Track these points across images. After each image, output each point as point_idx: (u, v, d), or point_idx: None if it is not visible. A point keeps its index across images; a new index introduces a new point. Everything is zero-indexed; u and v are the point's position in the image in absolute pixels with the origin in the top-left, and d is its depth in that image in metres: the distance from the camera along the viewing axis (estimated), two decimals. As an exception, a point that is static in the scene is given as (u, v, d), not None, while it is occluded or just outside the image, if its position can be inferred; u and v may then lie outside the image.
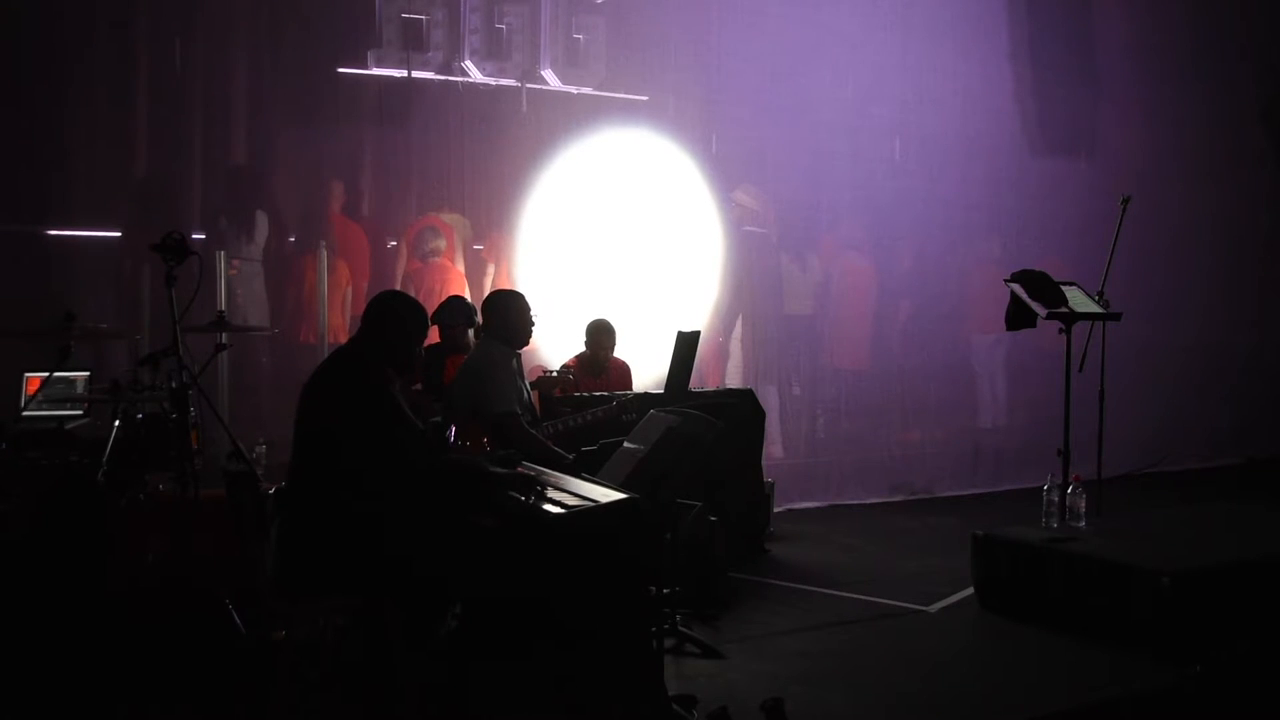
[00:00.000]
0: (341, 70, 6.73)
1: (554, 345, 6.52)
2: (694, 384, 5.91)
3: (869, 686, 4.10)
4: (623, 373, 6.29)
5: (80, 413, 5.12)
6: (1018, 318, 5.62)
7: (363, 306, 4.14)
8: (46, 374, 4.95)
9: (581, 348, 6.22)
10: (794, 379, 7.96)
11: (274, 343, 6.55)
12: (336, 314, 6.56)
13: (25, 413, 4.95)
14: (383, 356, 3.63)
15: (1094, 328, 5.76)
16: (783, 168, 8.01)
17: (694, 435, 3.69)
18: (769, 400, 7.40)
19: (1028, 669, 4.33)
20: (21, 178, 6.01)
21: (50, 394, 5.02)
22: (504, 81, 7.07)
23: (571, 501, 3.39)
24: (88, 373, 5.22)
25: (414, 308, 3.79)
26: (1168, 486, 8.19)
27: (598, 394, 5.73)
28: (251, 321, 6.14)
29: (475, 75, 7.00)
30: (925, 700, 3.97)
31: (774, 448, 7.52)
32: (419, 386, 5.50)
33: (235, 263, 6.35)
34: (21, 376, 5.03)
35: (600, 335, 6.12)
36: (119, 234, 6.29)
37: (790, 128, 7.89)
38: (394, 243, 7.00)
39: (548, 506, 3.36)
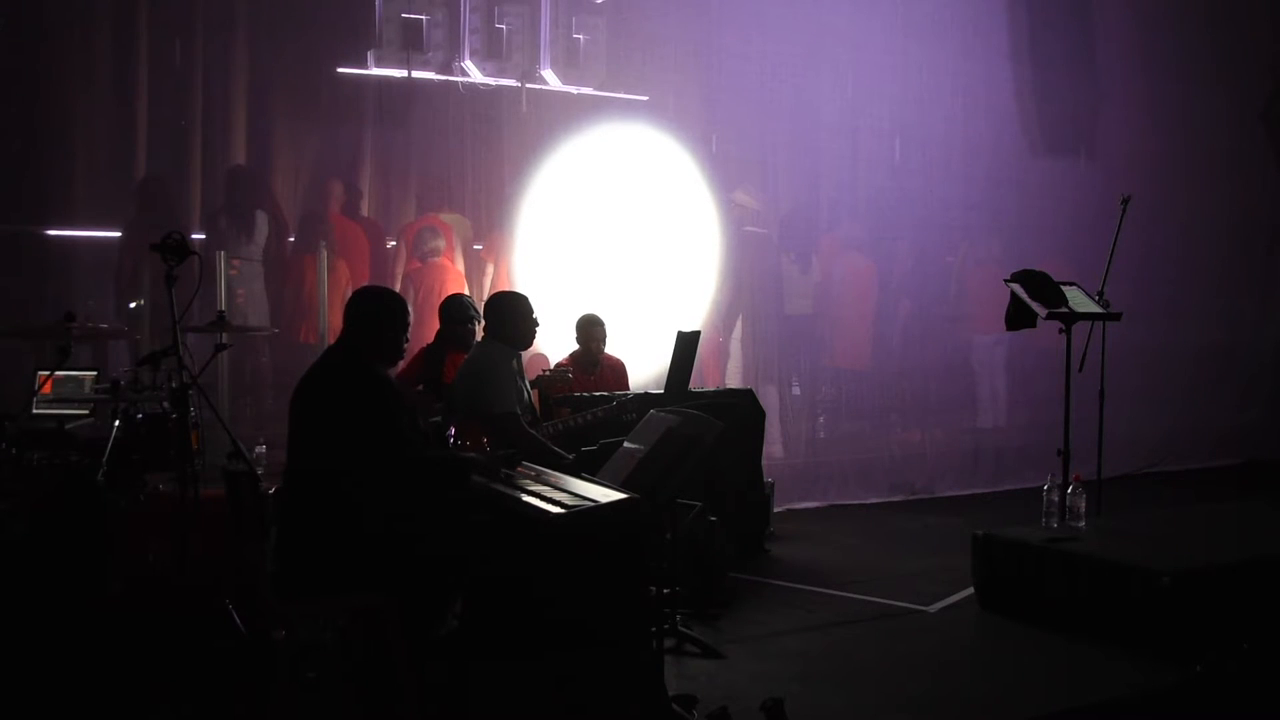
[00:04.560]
0: (341, 70, 6.73)
1: (553, 345, 6.52)
2: (694, 384, 5.91)
3: (869, 686, 4.10)
4: (617, 370, 6.28)
5: (86, 412, 5.12)
6: (1018, 318, 5.62)
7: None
8: (59, 373, 4.95)
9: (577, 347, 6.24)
10: (794, 379, 7.96)
11: (274, 343, 6.55)
12: (336, 314, 6.53)
13: (35, 411, 4.96)
14: (372, 351, 3.67)
15: (1094, 328, 5.76)
16: (783, 168, 8.01)
17: (694, 435, 3.69)
18: (769, 400, 7.40)
19: (1028, 669, 4.32)
20: (21, 178, 6.01)
21: (59, 393, 5.03)
22: (504, 81, 7.07)
23: (571, 501, 3.39)
24: (95, 372, 5.23)
25: (395, 299, 3.84)
26: (1168, 486, 8.18)
27: (598, 394, 5.73)
28: (251, 321, 6.14)
29: (475, 75, 7.00)
30: (925, 700, 3.97)
31: (774, 448, 7.52)
32: (420, 387, 5.51)
33: (235, 263, 6.35)
34: (35, 375, 5.03)
35: (590, 329, 6.12)
36: (119, 234, 6.28)
37: (790, 128, 7.89)
38: (394, 243, 7.00)
39: (547, 506, 3.37)
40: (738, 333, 7.88)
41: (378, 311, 3.73)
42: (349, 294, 6.59)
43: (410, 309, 3.97)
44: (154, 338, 5.88)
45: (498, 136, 7.05)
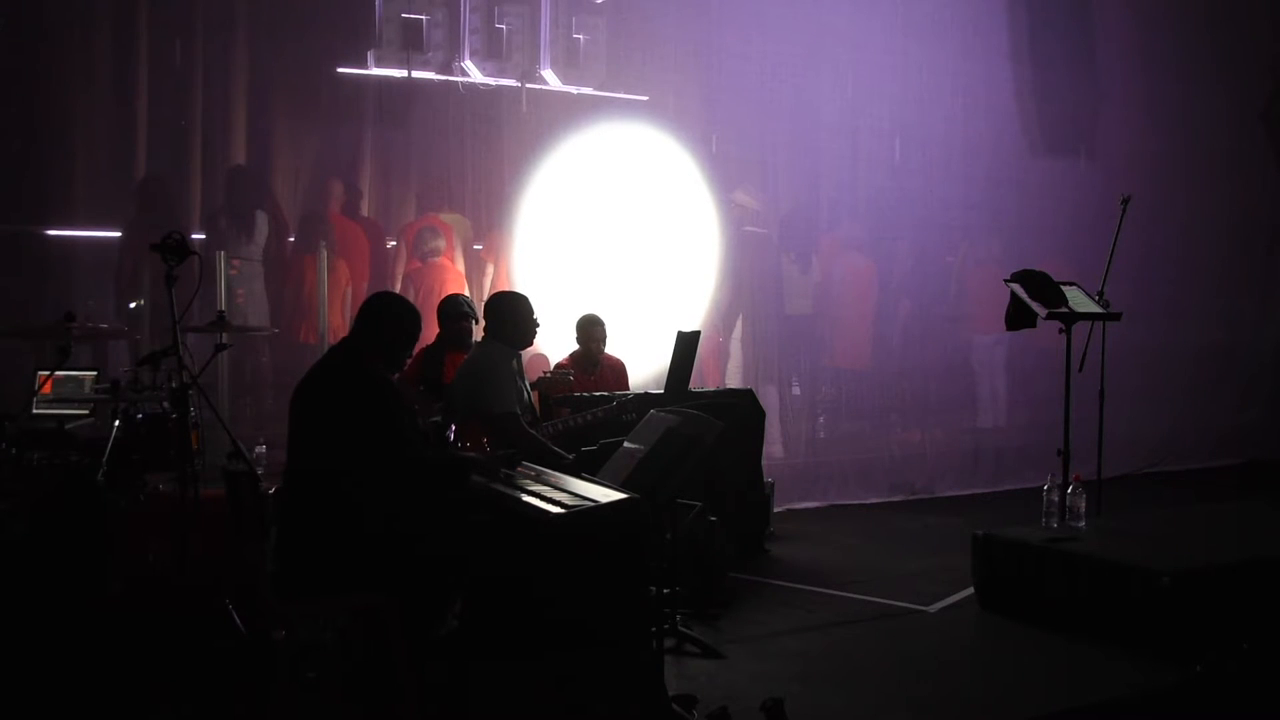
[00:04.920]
0: (341, 70, 6.73)
1: (553, 345, 6.52)
2: (694, 384, 5.90)
3: (869, 686, 4.10)
4: (617, 370, 6.29)
5: (86, 412, 5.13)
6: (1018, 318, 5.62)
7: (363, 307, 4.15)
8: (59, 373, 4.95)
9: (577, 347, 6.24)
10: (794, 379, 7.96)
11: (274, 343, 6.55)
12: (336, 314, 6.56)
13: (35, 411, 4.96)
14: (377, 354, 3.67)
15: (1094, 328, 5.76)
16: (783, 168, 8.01)
17: (694, 435, 3.69)
18: (769, 400, 7.40)
19: (1028, 669, 4.32)
20: (21, 178, 6.01)
21: (59, 393, 5.03)
22: (504, 81, 7.07)
23: (571, 501, 3.39)
24: (95, 372, 5.24)
25: (409, 309, 3.85)
26: (1168, 486, 8.18)
27: (598, 394, 5.73)
28: (251, 321, 6.14)
29: (475, 75, 7.00)
30: (925, 700, 3.97)
31: (774, 448, 7.52)
32: (422, 388, 5.51)
33: (235, 263, 6.35)
34: (35, 375, 5.04)
35: (591, 329, 6.13)
36: (119, 234, 6.29)
37: (790, 128, 7.89)
38: (394, 243, 7.00)
39: (547, 506, 3.37)
40: (738, 333, 7.88)
41: (385, 317, 3.73)
42: (349, 294, 6.67)
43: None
44: (154, 338, 5.88)
45: (498, 136, 7.05)
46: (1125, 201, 5.97)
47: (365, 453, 3.46)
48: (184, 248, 4.27)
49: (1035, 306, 5.49)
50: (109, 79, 6.24)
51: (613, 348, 6.31)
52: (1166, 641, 4.21)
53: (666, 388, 5.25)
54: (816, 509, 7.54)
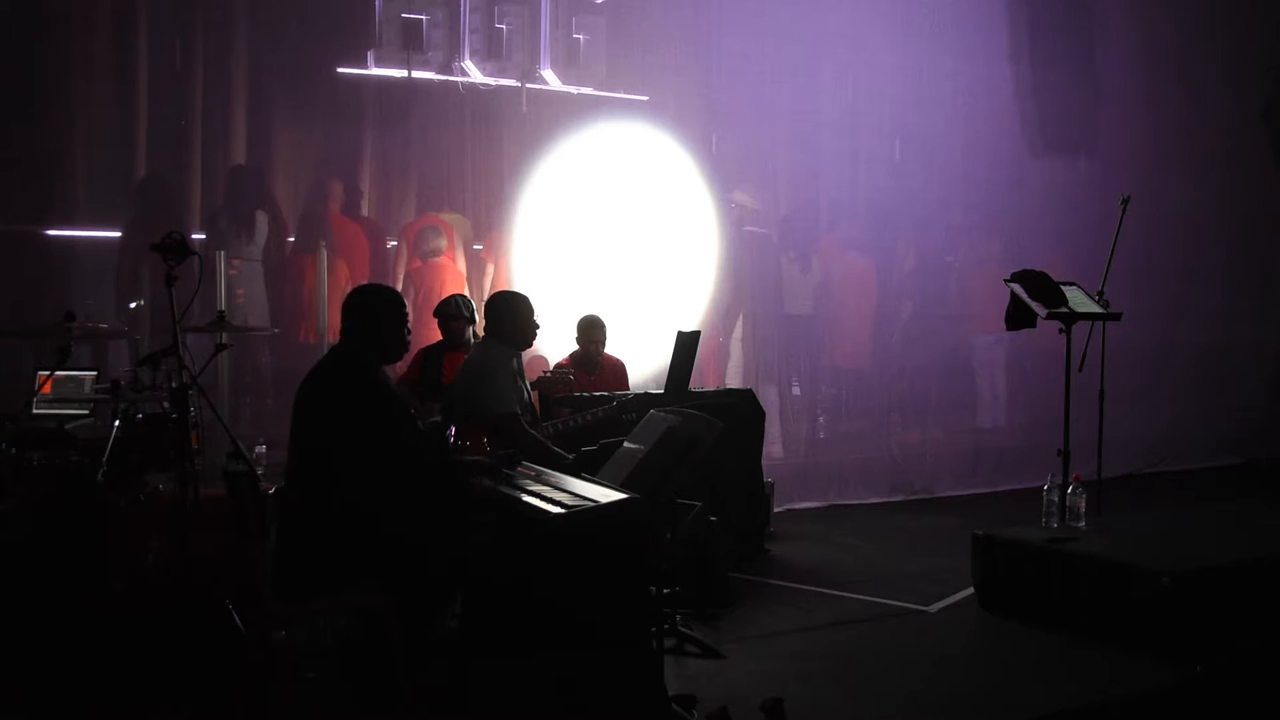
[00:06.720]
0: (341, 70, 6.73)
1: (553, 345, 6.52)
2: (694, 384, 5.90)
3: (869, 686, 4.10)
4: (617, 370, 6.29)
5: (86, 412, 5.13)
6: (1018, 318, 5.62)
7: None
8: (59, 373, 4.95)
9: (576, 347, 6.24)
10: (794, 379, 7.96)
11: (274, 343, 6.55)
12: (336, 314, 6.52)
13: (35, 411, 4.96)
14: (375, 351, 3.67)
15: (1094, 328, 5.76)
16: (783, 168, 8.01)
17: (694, 435, 3.69)
18: (769, 400, 7.39)
19: (1028, 669, 4.32)
20: (21, 178, 6.01)
21: (59, 393, 5.03)
22: (504, 81, 7.07)
23: (571, 501, 3.39)
24: (95, 372, 5.24)
25: (392, 296, 3.84)
26: (1168, 486, 8.19)
27: (598, 394, 5.73)
28: (251, 321, 6.14)
29: (475, 75, 7.00)
30: (925, 700, 3.97)
31: (774, 448, 7.51)
32: (422, 388, 5.52)
33: (235, 263, 6.35)
34: (35, 375, 5.04)
35: (591, 330, 6.14)
36: (119, 234, 6.29)
37: (790, 128, 7.89)
38: (394, 242, 7.00)
39: (547, 506, 3.37)
40: (738, 333, 7.88)
41: (376, 308, 3.73)
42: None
43: (409, 307, 3.95)
44: (154, 338, 5.88)
45: (498, 136, 7.05)
46: (1125, 201, 5.97)
47: (365, 454, 3.46)
48: (184, 248, 4.26)
49: (1035, 306, 5.48)
50: (109, 78, 6.23)
51: (613, 348, 6.31)
52: (1166, 641, 4.21)
53: (666, 388, 5.25)
54: (816, 509, 7.54)
